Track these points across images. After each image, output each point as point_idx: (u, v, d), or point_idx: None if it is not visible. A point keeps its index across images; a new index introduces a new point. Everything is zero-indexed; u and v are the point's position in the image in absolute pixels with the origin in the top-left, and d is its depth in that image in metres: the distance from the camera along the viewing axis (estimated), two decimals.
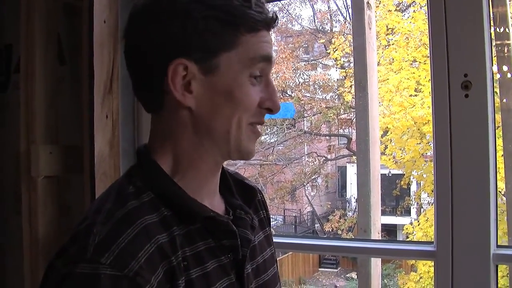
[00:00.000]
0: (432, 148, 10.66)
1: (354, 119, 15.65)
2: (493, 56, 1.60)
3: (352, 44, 13.19)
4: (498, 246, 1.56)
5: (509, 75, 5.81)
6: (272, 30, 1.18)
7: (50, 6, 2.12)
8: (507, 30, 5.46)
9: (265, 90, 1.14)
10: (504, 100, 5.65)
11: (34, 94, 2.08)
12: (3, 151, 2.29)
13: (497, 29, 5.31)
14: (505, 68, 5.71)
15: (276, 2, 16.52)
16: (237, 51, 1.09)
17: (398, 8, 12.08)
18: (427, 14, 1.62)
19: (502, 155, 5.63)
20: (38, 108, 2.08)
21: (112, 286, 0.93)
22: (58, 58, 2.18)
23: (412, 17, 10.90)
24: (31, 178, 2.08)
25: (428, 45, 1.64)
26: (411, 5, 11.83)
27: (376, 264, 2.13)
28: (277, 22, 1.17)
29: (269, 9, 1.15)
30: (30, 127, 2.09)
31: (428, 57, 10.01)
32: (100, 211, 1.05)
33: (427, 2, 1.61)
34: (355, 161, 14.89)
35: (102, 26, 2.07)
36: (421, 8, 11.26)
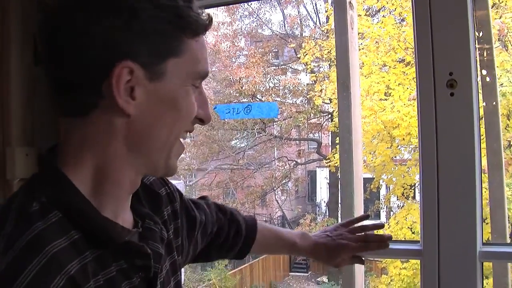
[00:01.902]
0: (401, 151, 10.74)
1: (325, 123, 15.80)
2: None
3: (321, 48, 13.31)
4: (483, 244, 1.57)
5: (488, 79, 5.90)
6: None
7: (26, 6, 2.07)
8: (484, 34, 5.56)
9: (199, 99, 1.08)
10: (484, 104, 5.74)
11: (10, 95, 2.03)
12: None
13: (477, 33, 5.39)
14: (484, 72, 5.80)
15: (246, 6, 16.63)
16: (184, 58, 1.02)
17: (367, 13, 12.19)
18: (412, 13, 1.62)
19: (485, 155, 5.71)
20: (14, 109, 2.03)
21: None
22: (33, 58, 2.13)
23: (382, 22, 11.00)
24: (6, 181, 2.03)
25: (413, 44, 1.64)
26: (381, 10, 11.97)
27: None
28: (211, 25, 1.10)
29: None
30: (6, 128, 2.03)
31: (398, 61, 10.17)
32: None
33: (412, 1, 1.61)
34: (325, 165, 15.07)
35: None
36: (390, 13, 11.38)
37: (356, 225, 1.69)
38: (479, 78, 5.53)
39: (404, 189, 11.36)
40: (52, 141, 2.06)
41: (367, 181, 13.10)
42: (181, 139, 1.10)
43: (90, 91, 0.98)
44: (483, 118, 5.69)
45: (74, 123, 1.03)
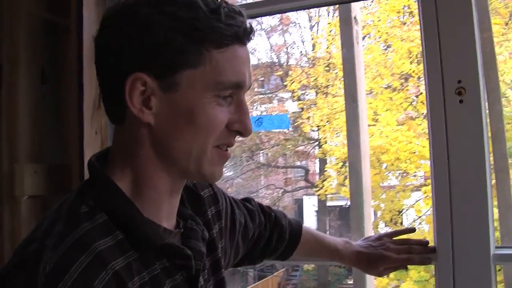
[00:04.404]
0: (389, 177, 10.70)
1: (312, 151, 15.81)
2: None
3: (308, 76, 13.41)
4: (496, 247, 1.59)
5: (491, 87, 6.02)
6: (248, 42, 1.10)
7: (34, 25, 2.10)
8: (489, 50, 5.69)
9: (236, 111, 1.09)
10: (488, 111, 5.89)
11: (18, 113, 2.05)
12: None
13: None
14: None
15: None
16: (203, 69, 1.03)
17: None
18: (419, 22, 1.66)
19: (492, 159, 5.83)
20: (22, 127, 2.05)
21: None
22: (40, 76, 2.15)
23: (368, 49, 11.13)
24: (15, 198, 2.03)
25: (422, 53, 1.68)
26: (366, 37, 12.11)
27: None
28: (253, 35, 1.10)
29: (244, 20, 1.08)
30: (14, 146, 2.04)
31: (384, 87, 10.25)
32: (50, 234, 0.97)
33: (419, 10, 1.65)
34: (312, 193, 15.04)
35: (91, 42, 2.05)
36: (376, 40, 11.54)
37: (400, 237, 1.73)
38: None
39: (393, 215, 11.37)
40: (60, 157, 2.08)
41: None
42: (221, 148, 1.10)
43: (117, 101, 1.05)
44: (489, 125, 5.80)
45: (117, 131, 1.13)
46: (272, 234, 1.58)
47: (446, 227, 1.59)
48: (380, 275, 1.70)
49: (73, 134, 2.06)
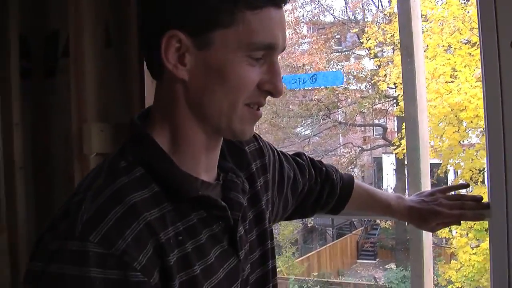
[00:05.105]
0: (469, 135, 10.37)
1: (390, 108, 15.59)
2: None
3: (384, 33, 13.15)
4: None
5: None
6: (283, 5, 1.09)
7: None
8: None
9: (268, 71, 1.10)
10: None
11: (85, 76, 2.13)
12: (53, 135, 2.34)
13: None
14: None
15: None
16: (236, 29, 1.04)
17: None
18: None
19: None
20: (89, 88, 2.13)
21: (100, 264, 0.94)
22: (106, 41, 2.22)
23: (446, 3, 10.77)
24: (83, 156, 2.13)
25: (476, 5, 1.63)
26: None
27: (429, 251, 2.15)
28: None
29: None
30: (82, 107, 2.13)
31: (463, 42, 9.89)
32: (91, 187, 1.04)
33: None
34: (391, 152, 14.90)
35: None
36: None
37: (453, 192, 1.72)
38: None
39: (473, 173, 11.07)
40: (124, 117, 2.16)
41: (434, 166, 12.80)
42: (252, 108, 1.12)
43: (153, 57, 1.08)
44: None
45: (156, 87, 1.15)
46: (323, 188, 1.60)
47: (501, 183, 1.56)
48: (432, 230, 1.70)
49: (136, 94, 2.13)
